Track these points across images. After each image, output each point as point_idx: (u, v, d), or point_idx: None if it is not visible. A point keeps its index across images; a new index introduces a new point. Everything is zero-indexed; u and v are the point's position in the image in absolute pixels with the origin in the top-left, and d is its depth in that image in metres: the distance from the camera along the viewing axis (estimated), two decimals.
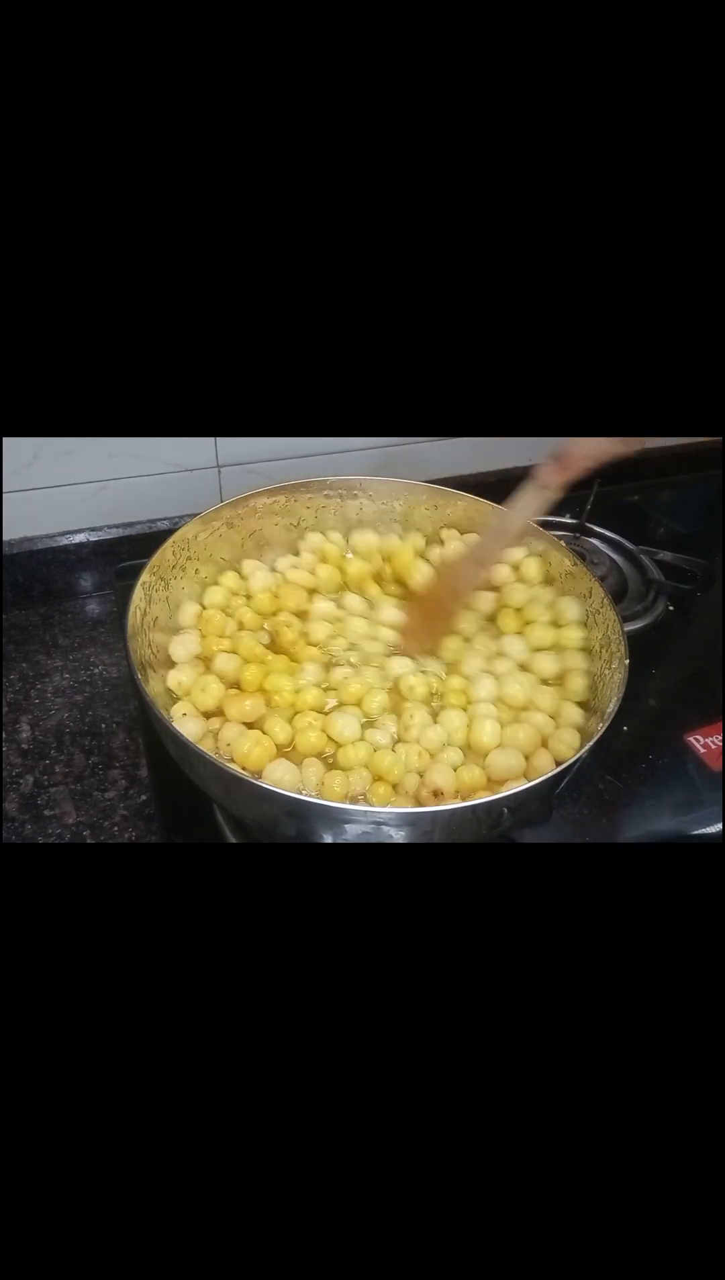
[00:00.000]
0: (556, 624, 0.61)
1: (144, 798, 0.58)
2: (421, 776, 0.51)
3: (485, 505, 0.65)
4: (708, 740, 0.64)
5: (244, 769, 0.48)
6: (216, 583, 0.64)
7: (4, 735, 0.62)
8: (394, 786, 0.51)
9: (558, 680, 0.58)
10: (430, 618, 0.62)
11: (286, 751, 0.52)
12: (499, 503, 0.65)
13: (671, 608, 0.75)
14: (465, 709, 0.56)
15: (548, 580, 0.65)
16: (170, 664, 0.58)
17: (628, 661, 0.51)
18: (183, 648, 0.58)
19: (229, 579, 0.64)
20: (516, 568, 0.66)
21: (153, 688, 0.50)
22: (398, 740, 0.53)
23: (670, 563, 0.78)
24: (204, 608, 0.62)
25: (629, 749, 0.63)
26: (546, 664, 0.58)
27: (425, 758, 0.52)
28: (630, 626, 0.71)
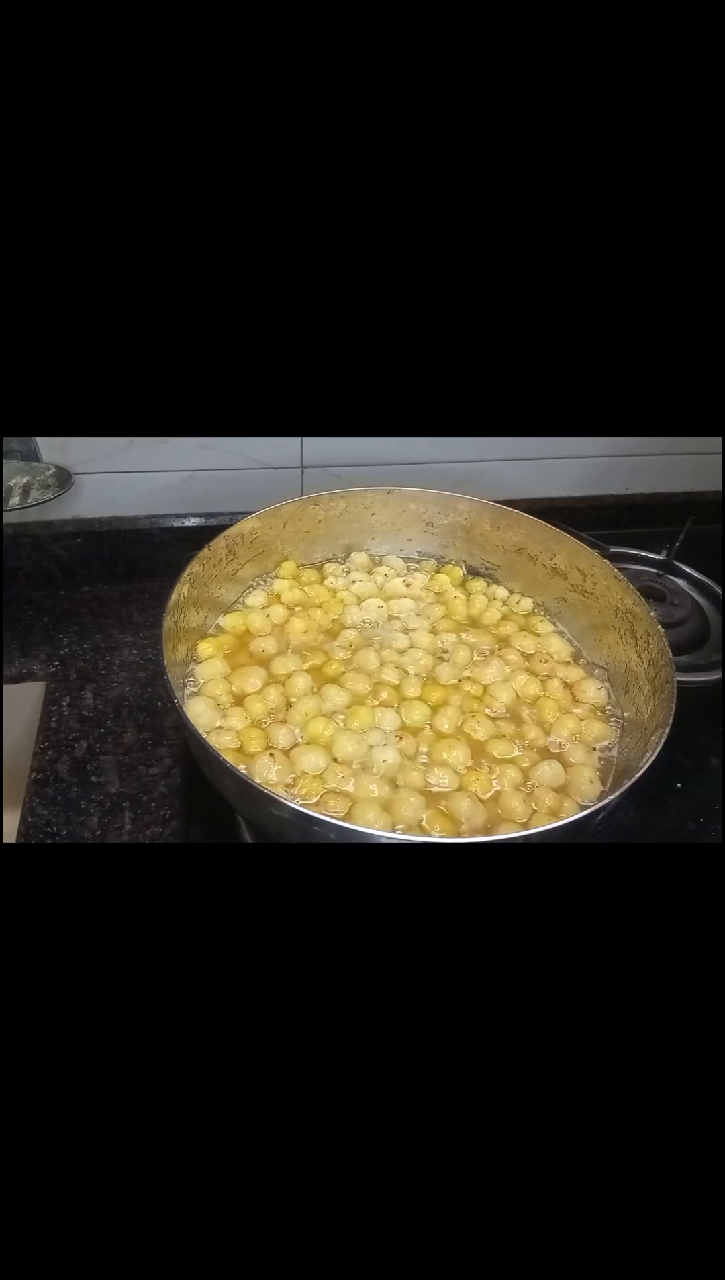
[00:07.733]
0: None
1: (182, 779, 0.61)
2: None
3: (542, 527, 0.64)
4: None
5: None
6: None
7: (70, 700, 0.66)
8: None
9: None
10: None
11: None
12: (560, 527, 0.63)
13: None
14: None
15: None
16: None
17: (668, 729, 0.48)
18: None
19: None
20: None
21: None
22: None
23: None
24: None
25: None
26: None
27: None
28: (704, 676, 0.66)
